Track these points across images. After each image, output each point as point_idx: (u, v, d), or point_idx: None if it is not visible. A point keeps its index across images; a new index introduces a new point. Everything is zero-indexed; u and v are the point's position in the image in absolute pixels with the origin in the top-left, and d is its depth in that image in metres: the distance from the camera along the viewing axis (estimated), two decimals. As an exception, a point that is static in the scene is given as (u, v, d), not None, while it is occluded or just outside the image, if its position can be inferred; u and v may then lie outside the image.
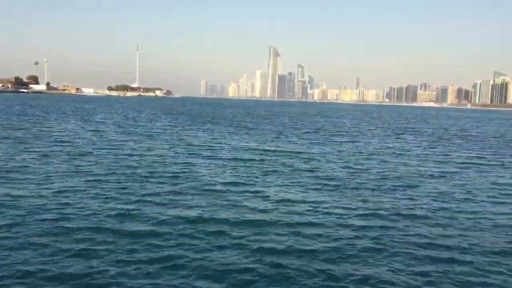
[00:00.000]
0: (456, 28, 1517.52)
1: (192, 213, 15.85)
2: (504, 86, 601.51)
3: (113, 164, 25.78)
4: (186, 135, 45.84)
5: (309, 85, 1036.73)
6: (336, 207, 17.34)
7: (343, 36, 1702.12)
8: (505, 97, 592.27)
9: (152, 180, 21.53)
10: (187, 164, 26.53)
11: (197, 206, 16.79)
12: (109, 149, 32.38)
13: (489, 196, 20.70)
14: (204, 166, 26.10)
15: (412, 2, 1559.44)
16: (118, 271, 10.91)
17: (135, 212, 15.78)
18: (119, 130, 49.24)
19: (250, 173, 24.40)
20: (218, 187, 20.31)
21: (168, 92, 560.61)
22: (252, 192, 19.67)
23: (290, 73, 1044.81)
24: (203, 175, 23.15)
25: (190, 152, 32.18)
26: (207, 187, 20.16)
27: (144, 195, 18.38)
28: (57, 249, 12.15)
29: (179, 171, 24.28)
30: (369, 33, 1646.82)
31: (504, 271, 11.70)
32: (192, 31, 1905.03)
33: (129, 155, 29.65)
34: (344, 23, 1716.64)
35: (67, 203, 16.66)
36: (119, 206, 16.44)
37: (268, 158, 30.82)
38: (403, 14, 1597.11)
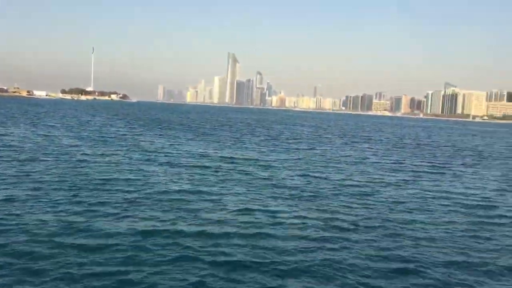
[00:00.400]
0: (410, 39, 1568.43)
1: (146, 224, 15.32)
2: (454, 97, 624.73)
3: (63, 171, 24.79)
4: (142, 141, 44.89)
5: (267, 92, 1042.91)
6: (293, 217, 17.22)
7: (300, 44, 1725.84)
8: (455, 107, 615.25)
9: (105, 188, 20.80)
10: (142, 171, 25.86)
11: (151, 217, 16.25)
12: (60, 154, 31.20)
13: (441, 205, 21.18)
14: (160, 174, 25.51)
15: (367, 12, 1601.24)
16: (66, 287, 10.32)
17: (86, 223, 15.10)
18: (72, 135, 47.68)
19: (207, 181, 24.02)
20: (174, 196, 19.83)
21: (124, 96, 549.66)
22: (208, 201, 19.31)
23: (249, 80, 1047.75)
24: (159, 183, 22.59)
25: (145, 159, 31.45)
26: (162, 196, 19.64)
27: (95, 204, 17.69)
28: (0, 263, 11.40)
29: (134, 178, 23.62)
30: (326, 42, 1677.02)
31: (457, 281, 11.85)
32: (150, 35, 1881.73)
33: (82, 161, 28.64)
34: (301, 31, 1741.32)
35: (12, 214, 15.77)
36: (70, 218, 15.68)
37: (226, 165, 30.52)
38: (358, 25, 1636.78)
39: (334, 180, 26.64)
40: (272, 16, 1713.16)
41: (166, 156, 33.83)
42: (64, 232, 14.05)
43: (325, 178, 27.04)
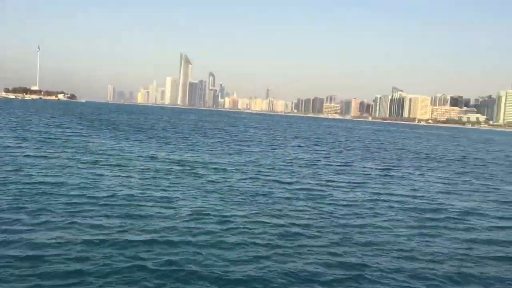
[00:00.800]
0: (360, 44, 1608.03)
1: (92, 232, 14.61)
2: (401, 101, 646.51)
3: (4, 174, 23.43)
4: (90, 142, 43.32)
5: (220, 94, 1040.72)
6: (245, 222, 16.91)
7: (254, 47, 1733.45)
8: (402, 111, 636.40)
9: (49, 192, 19.79)
10: (89, 175, 24.85)
11: (97, 224, 15.51)
12: (1, 156, 29.55)
13: (390, 207, 21.56)
14: (109, 177, 24.61)
15: (321, 15, 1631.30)
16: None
17: (27, 232, 14.23)
18: (15, 136, 45.42)
19: (157, 185, 23.38)
20: (122, 201, 19.11)
21: (72, 96, 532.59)
22: (158, 206, 18.71)
23: (201, 81, 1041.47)
24: (107, 187, 21.77)
25: (93, 161, 30.33)
26: (110, 201, 18.89)
27: (38, 210, 16.77)
28: None
29: (80, 182, 22.68)
30: (278, 45, 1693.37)
31: (405, 286, 11.95)
32: (100, 34, 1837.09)
33: (24, 164, 27.23)
34: (255, 33, 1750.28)
35: None
36: (9, 226, 14.73)
37: (177, 168, 29.90)
38: (310, 29, 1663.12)
39: (286, 183, 26.64)
40: (224, 18, 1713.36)
41: (115, 158, 32.79)
42: (2, 241, 13.17)
43: (278, 181, 27.00)
